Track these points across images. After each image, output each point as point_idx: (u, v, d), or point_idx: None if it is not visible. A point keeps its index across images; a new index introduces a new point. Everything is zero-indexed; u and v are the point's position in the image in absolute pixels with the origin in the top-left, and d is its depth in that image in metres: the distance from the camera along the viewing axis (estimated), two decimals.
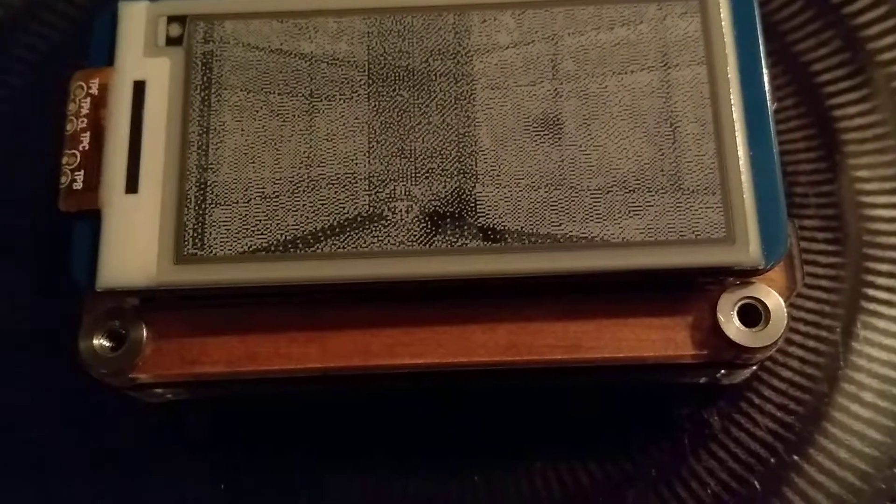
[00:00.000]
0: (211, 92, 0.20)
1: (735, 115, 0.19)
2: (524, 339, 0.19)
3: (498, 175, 0.19)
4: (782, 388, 0.22)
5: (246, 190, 0.19)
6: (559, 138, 0.19)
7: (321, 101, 0.20)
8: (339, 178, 0.19)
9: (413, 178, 0.19)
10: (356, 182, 0.19)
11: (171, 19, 0.20)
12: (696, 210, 0.19)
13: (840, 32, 0.25)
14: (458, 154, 0.19)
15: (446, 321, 0.20)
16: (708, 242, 0.19)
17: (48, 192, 0.20)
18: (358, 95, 0.20)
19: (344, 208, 0.19)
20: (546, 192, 0.19)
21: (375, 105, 0.20)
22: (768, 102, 0.20)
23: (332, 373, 0.20)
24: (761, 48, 0.20)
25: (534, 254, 0.19)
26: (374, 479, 0.22)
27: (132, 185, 0.19)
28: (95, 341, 0.20)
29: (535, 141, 0.19)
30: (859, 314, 0.23)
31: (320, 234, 0.19)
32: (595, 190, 0.19)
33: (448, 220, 0.19)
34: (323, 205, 0.19)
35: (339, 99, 0.20)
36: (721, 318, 0.19)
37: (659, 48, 0.20)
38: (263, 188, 0.19)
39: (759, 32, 0.20)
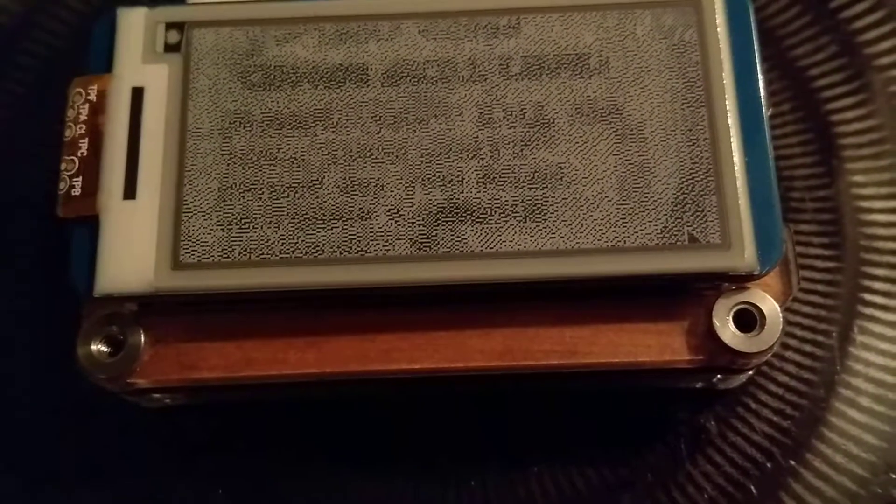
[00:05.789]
0: (209, 98, 0.20)
1: (730, 121, 0.19)
2: (520, 345, 0.20)
3: (493, 180, 0.19)
4: (779, 392, 0.22)
5: (244, 196, 0.19)
6: (554, 143, 0.20)
7: (318, 106, 0.20)
8: (336, 183, 0.19)
9: (408, 183, 0.19)
10: (353, 187, 0.19)
11: (170, 26, 0.21)
12: (692, 215, 0.19)
13: (837, 37, 0.25)
14: (454, 159, 0.19)
15: (443, 326, 0.20)
16: (703, 248, 0.19)
17: (46, 198, 0.20)
18: (355, 101, 0.20)
19: (341, 213, 0.19)
20: (541, 197, 0.19)
21: (371, 110, 0.20)
22: (764, 107, 0.20)
23: (329, 378, 0.20)
24: (757, 53, 0.20)
25: (529, 259, 0.19)
26: (371, 484, 0.22)
27: (130, 192, 0.19)
28: (93, 347, 0.20)
29: (530, 146, 0.19)
30: (856, 319, 0.23)
31: (317, 240, 0.19)
32: (590, 195, 0.19)
33: (443, 225, 0.19)
34: (320, 210, 0.19)
35: (337, 104, 0.20)
36: (717, 323, 0.19)
37: (654, 53, 0.20)
38: (261, 194, 0.19)
39: (754, 37, 0.20)
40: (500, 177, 0.19)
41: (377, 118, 0.20)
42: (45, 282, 0.23)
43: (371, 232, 0.19)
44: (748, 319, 0.19)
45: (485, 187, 0.19)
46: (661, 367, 0.20)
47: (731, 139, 0.19)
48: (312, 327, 0.20)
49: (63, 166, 0.20)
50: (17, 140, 0.25)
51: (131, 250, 0.19)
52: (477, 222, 0.19)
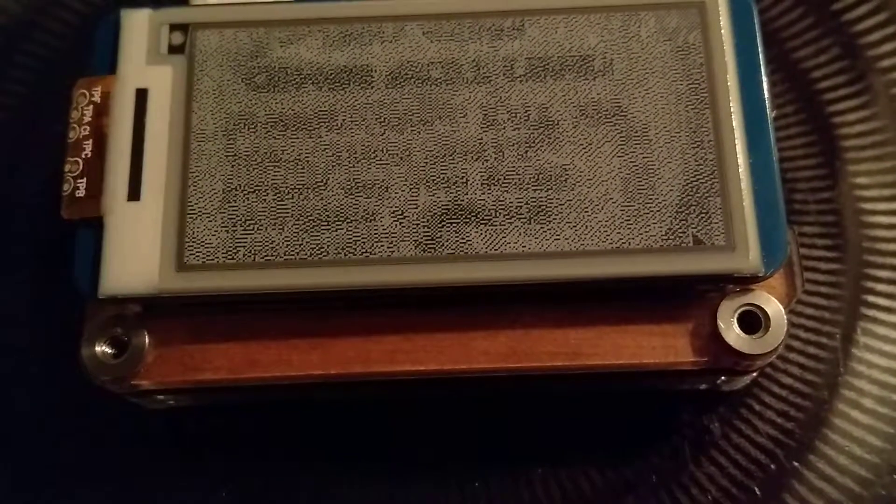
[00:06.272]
0: (213, 100, 0.20)
1: (734, 123, 0.19)
2: (524, 346, 0.20)
3: (497, 182, 0.19)
4: (782, 394, 0.22)
5: (248, 197, 0.19)
6: (559, 145, 0.20)
7: (322, 108, 0.20)
8: (340, 185, 0.19)
9: (413, 185, 0.19)
10: (357, 189, 0.19)
11: (174, 27, 0.21)
12: (696, 217, 0.19)
13: (840, 39, 0.25)
14: (458, 161, 0.19)
15: (447, 328, 0.20)
16: (708, 250, 0.19)
17: (51, 200, 0.20)
18: (359, 102, 0.20)
19: (345, 215, 0.19)
20: (545, 199, 0.19)
21: (376, 112, 0.20)
22: (768, 110, 0.20)
23: (333, 379, 0.20)
24: (761, 55, 0.20)
25: (533, 261, 0.19)
26: (375, 486, 0.22)
27: (134, 193, 0.19)
28: (97, 348, 0.20)
29: (535, 148, 0.19)
30: (859, 321, 0.23)
31: (322, 242, 0.19)
32: (594, 197, 0.19)
33: (448, 227, 0.19)
34: (325, 212, 0.19)
35: (341, 106, 0.20)
36: (721, 324, 0.19)
37: (658, 55, 0.20)
38: (265, 196, 0.19)
39: (758, 40, 0.20)
40: (504, 178, 0.19)
41: (381, 120, 0.20)
42: (45, 282, 0.23)
43: (375, 233, 0.19)
44: (752, 321, 0.19)
45: (489, 189, 0.19)
46: (665, 368, 0.20)
47: (736, 141, 0.19)
48: (316, 329, 0.20)
49: (67, 168, 0.20)
50: (17, 140, 0.25)
51: (135, 252, 0.19)
52: (481, 224, 0.19)
